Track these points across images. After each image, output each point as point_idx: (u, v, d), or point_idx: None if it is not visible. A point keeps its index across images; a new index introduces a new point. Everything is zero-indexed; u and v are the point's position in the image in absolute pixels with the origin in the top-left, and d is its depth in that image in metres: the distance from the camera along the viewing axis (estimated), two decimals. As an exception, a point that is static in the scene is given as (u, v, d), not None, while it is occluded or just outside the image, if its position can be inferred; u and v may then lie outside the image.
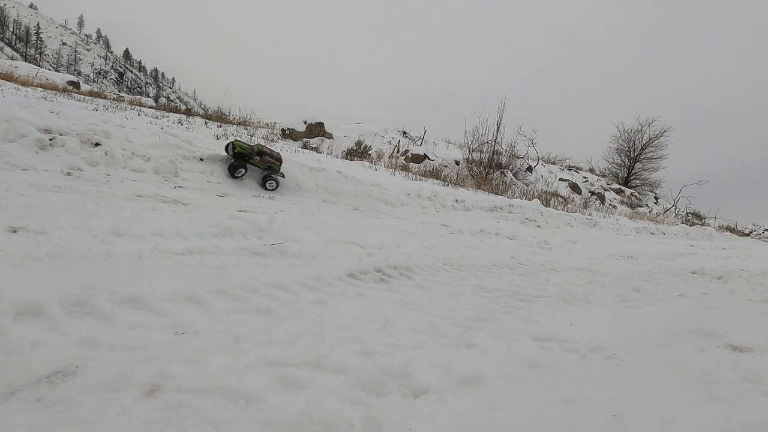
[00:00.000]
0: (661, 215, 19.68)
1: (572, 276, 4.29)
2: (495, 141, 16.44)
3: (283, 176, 6.53)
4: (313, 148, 13.11)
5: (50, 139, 5.11)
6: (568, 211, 12.40)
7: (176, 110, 16.63)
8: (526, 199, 12.33)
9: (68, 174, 4.66)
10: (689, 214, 22.50)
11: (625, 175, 26.68)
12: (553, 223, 9.95)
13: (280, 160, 6.40)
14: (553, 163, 22.69)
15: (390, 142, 17.57)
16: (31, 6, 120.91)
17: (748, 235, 20.28)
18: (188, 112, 16.36)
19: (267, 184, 6.18)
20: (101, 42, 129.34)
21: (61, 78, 18.21)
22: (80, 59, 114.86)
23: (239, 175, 5.93)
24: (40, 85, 13.23)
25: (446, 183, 12.21)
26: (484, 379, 1.54)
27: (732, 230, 20.19)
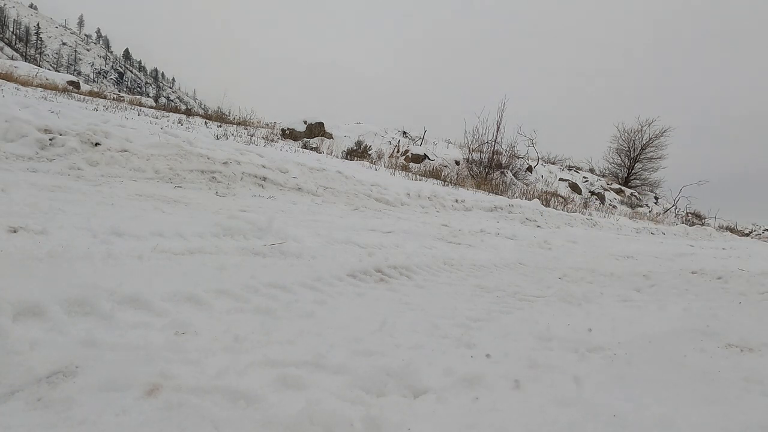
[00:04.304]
0: (661, 215, 19.67)
1: (572, 276, 4.29)
2: (495, 141, 16.44)
3: None
4: (313, 148, 13.11)
5: (50, 139, 5.11)
6: (568, 211, 12.40)
7: (176, 110, 16.63)
8: (526, 199, 12.32)
9: (68, 174, 4.66)
10: (689, 214, 22.49)
11: (625, 175, 26.66)
12: (553, 223, 9.95)
13: None
14: (553, 163, 22.69)
15: (390, 142, 17.56)
16: (31, 6, 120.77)
17: (748, 235, 20.27)
18: (188, 112, 16.36)
19: None
20: (101, 42, 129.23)
21: (61, 78, 18.20)
22: (80, 59, 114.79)
23: None
24: (40, 85, 13.23)
25: (446, 183, 12.20)
26: (484, 379, 1.54)
27: (732, 230, 20.19)
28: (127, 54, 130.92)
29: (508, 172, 16.39)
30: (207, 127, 12.28)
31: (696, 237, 13.79)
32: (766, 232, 23.40)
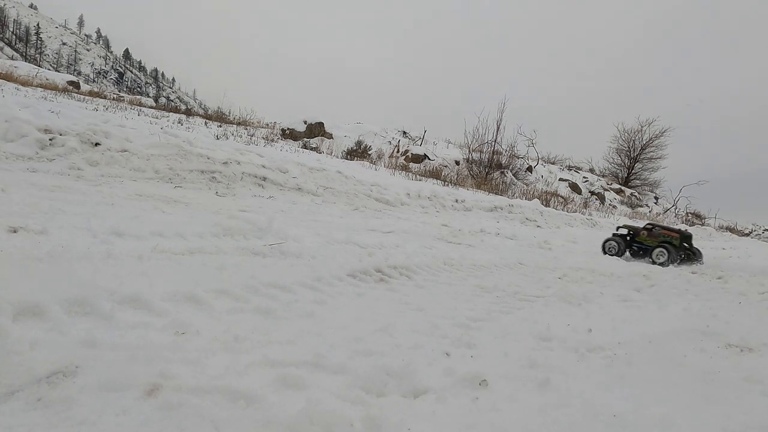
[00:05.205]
0: (661, 215, 19.68)
1: (572, 276, 4.29)
2: (495, 141, 16.46)
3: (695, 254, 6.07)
4: (313, 148, 13.11)
5: (50, 139, 5.11)
6: (568, 211, 12.40)
7: (176, 110, 16.64)
8: (526, 199, 12.33)
9: (68, 174, 4.66)
10: (689, 214, 22.50)
11: (625, 175, 26.66)
12: (553, 223, 9.96)
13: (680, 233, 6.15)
14: (553, 163, 22.69)
15: (390, 142, 17.57)
16: (31, 6, 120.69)
17: (748, 235, 20.28)
18: (188, 112, 16.37)
19: (653, 255, 5.97)
20: (101, 42, 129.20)
21: (61, 78, 18.20)
22: (80, 59, 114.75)
23: (613, 252, 6.00)
24: (40, 85, 13.23)
25: (446, 183, 12.21)
26: (484, 379, 1.54)
27: (732, 230, 20.20)
28: (127, 54, 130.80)
29: (508, 172, 16.40)
30: (207, 127, 12.29)
31: (696, 237, 13.78)
32: (766, 232, 23.39)
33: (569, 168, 23.54)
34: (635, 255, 6.02)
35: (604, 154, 34.43)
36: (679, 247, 5.90)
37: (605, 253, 6.12)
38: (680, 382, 1.69)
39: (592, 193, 20.18)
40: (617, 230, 6.31)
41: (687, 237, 6.03)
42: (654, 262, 5.83)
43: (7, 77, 12.77)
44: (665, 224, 9.08)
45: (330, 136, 15.92)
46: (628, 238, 6.11)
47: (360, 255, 3.53)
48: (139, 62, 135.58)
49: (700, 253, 6.16)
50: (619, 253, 6.04)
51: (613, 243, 6.07)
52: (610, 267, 5.29)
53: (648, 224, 6.20)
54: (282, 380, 1.40)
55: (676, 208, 22.59)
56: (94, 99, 12.88)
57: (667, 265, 5.74)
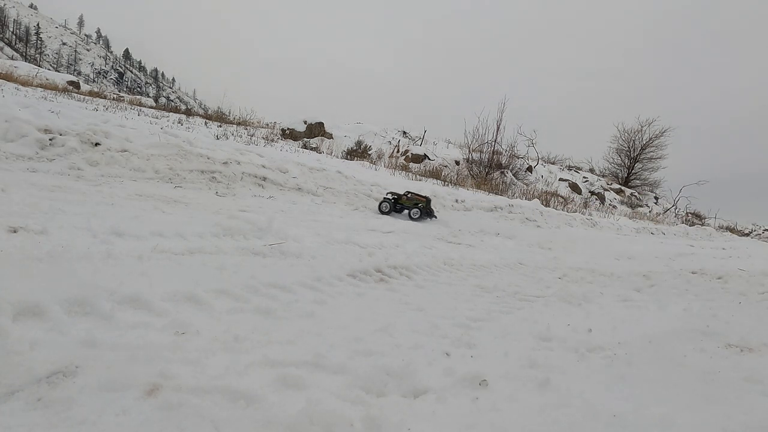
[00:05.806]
0: (661, 215, 19.67)
1: (572, 276, 4.29)
2: (495, 141, 16.45)
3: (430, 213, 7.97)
4: (313, 148, 13.11)
5: (50, 139, 5.11)
6: (568, 211, 12.39)
7: (176, 110, 16.64)
8: (526, 199, 12.32)
9: (68, 174, 4.66)
10: (689, 214, 22.48)
11: (625, 175, 26.65)
12: (553, 223, 9.95)
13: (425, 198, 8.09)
14: (553, 163, 22.68)
15: (390, 142, 17.56)
16: (31, 6, 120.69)
17: (748, 235, 20.26)
18: (188, 112, 16.36)
19: (411, 213, 7.69)
20: (101, 42, 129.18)
21: (61, 78, 18.19)
22: (80, 59, 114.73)
23: (386, 210, 7.67)
24: (40, 85, 13.23)
25: (446, 183, 12.20)
26: (484, 379, 1.54)
27: (732, 230, 20.19)
28: (127, 54, 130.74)
29: (508, 172, 16.39)
30: (207, 127, 12.28)
31: (696, 237, 13.78)
32: (766, 232, 23.38)
33: (569, 168, 23.53)
34: (399, 212, 7.74)
35: (604, 154, 34.43)
36: (425, 208, 7.84)
37: (380, 211, 7.55)
38: (680, 382, 1.69)
39: (592, 193, 20.18)
40: (387, 195, 8.00)
41: (429, 201, 8.02)
42: (411, 218, 7.57)
43: (7, 77, 12.77)
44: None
45: (330, 136, 15.92)
46: (393, 201, 7.79)
47: (360, 255, 3.53)
48: (139, 62, 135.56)
49: (434, 212, 8.07)
50: (389, 212, 7.59)
51: (386, 203, 7.62)
52: (609, 267, 5.29)
53: (406, 192, 8.03)
54: (282, 380, 1.40)
55: (676, 208, 22.58)
56: (94, 99, 12.88)
57: (421, 220, 7.57)
